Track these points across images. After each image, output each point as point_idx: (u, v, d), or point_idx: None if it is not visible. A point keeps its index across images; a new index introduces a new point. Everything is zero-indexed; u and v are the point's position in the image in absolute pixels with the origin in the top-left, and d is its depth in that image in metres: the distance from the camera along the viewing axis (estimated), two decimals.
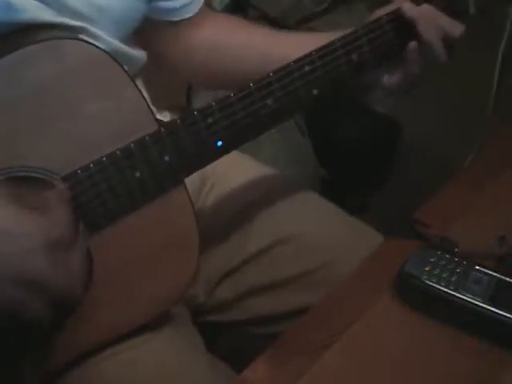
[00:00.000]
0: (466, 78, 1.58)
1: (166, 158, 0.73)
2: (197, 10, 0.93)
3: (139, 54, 0.87)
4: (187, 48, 0.94)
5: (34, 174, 0.69)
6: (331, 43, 0.81)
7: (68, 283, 0.65)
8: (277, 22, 1.52)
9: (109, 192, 0.71)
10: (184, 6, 0.92)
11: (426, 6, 0.85)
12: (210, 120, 0.75)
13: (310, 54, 0.80)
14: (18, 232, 0.63)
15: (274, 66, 0.79)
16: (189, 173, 0.76)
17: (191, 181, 0.77)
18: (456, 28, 0.84)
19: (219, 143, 0.76)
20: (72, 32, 0.76)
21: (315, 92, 0.81)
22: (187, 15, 0.92)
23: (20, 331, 0.66)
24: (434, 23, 0.84)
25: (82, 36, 0.75)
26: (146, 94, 0.81)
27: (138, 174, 0.72)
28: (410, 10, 0.84)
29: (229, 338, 1.09)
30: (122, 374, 0.76)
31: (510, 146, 1.01)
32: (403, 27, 0.84)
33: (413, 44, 0.84)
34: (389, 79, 0.86)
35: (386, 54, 0.85)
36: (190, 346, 0.81)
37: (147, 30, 0.88)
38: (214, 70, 0.95)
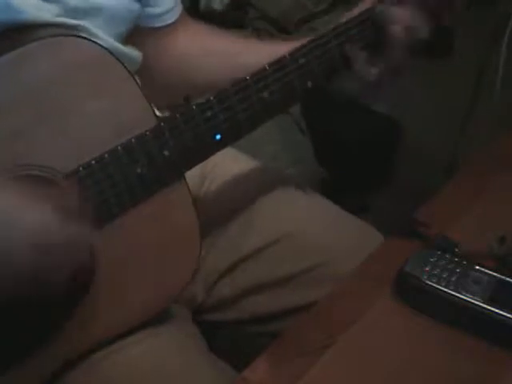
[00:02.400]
0: (466, 78, 1.58)
1: (166, 153, 0.74)
2: (175, 18, 0.94)
3: (135, 54, 0.88)
4: (163, 54, 0.95)
5: (36, 173, 0.69)
6: (324, 34, 0.82)
7: (83, 253, 0.67)
8: (277, 22, 1.52)
9: (110, 188, 0.72)
10: (165, 12, 0.93)
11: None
12: (208, 114, 0.76)
13: (304, 46, 0.80)
14: (32, 206, 0.64)
15: (243, 74, 0.79)
16: (189, 167, 0.77)
17: (191, 177, 0.77)
18: (423, 29, 0.83)
19: (218, 136, 0.77)
20: (71, 30, 0.76)
21: (309, 84, 0.81)
22: (167, 22, 0.94)
23: (42, 305, 0.67)
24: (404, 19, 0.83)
25: (80, 34, 0.76)
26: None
27: (139, 170, 0.73)
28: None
29: (229, 337, 1.09)
30: (122, 372, 0.76)
31: (511, 147, 1.01)
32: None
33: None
34: (371, 70, 0.86)
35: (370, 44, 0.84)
36: (191, 345, 0.81)
37: (132, 37, 0.89)
38: (186, 77, 0.96)
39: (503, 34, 1.23)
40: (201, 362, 0.80)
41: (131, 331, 0.76)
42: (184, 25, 0.96)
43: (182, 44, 0.96)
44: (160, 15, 0.93)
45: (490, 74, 1.38)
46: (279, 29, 1.51)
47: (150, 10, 0.91)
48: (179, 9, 0.95)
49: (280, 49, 0.82)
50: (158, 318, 0.78)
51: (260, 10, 1.50)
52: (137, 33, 0.90)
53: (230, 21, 1.50)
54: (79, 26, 0.77)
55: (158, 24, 0.93)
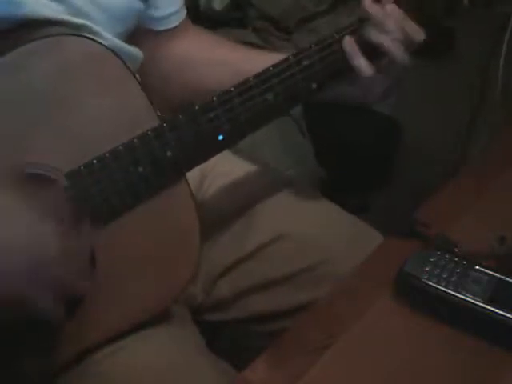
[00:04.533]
0: (467, 78, 1.58)
1: (169, 153, 0.74)
2: (178, 23, 0.94)
3: (137, 52, 0.88)
4: (163, 58, 0.95)
5: (37, 171, 0.69)
6: (329, 36, 0.82)
7: (79, 272, 0.67)
8: (277, 22, 1.52)
9: (112, 188, 0.72)
10: (168, 16, 0.93)
11: (391, 6, 0.83)
12: (211, 114, 0.76)
13: (308, 48, 0.80)
14: (27, 222, 0.65)
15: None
16: (191, 167, 0.77)
17: (191, 177, 0.78)
18: (418, 33, 0.83)
19: (220, 137, 0.77)
20: (73, 29, 0.76)
21: (314, 86, 0.81)
22: (170, 25, 0.94)
23: (28, 326, 0.67)
24: (395, 25, 0.82)
25: (83, 33, 0.76)
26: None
27: (140, 169, 0.73)
28: (369, 7, 0.83)
29: (229, 337, 1.09)
30: (122, 373, 0.75)
31: (511, 147, 1.01)
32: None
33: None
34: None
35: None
36: (191, 345, 0.81)
37: (134, 37, 0.89)
38: (185, 82, 0.96)
39: (503, 34, 1.23)
40: (201, 361, 0.80)
41: (131, 331, 0.76)
42: (186, 30, 0.96)
43: (183, 49, 0.96)
44: (163, 18, 0.93)
45: (491, 74, 1.38)
46: (279, 29, 1.51)
47: (153, 12, 0.91)
48: (182, 14, 0.95)
49: (280, 57, 0.82)
50: (158, 318, 0.78)
51: (260, 10, 1.50)
52: (138, 35, 0.90)
53: (230, 21, 1.50)
54: (81, 24, 0.77)
55: (159, 27, 0.93)
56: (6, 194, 0.66)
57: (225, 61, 0.94)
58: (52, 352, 0.73)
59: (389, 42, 0.81)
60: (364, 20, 0.83)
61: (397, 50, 0.81)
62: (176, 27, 0.94)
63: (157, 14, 0.92)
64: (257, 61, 0.85)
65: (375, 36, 0.81)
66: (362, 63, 0.82)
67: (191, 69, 0.96)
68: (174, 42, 0.95)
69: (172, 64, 0.96)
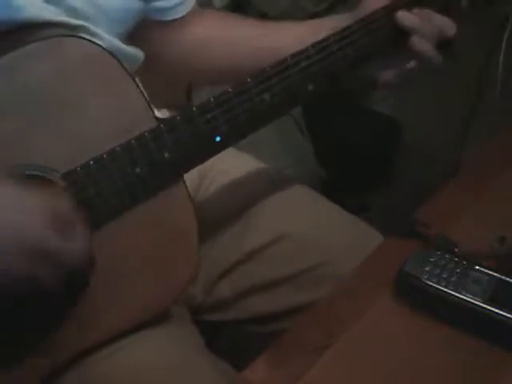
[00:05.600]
0: (466, 78, 1.58)
1: (166, 154, 0.74)
2: (188, 10, 0.94)
3: (137, 53, 0.87)
4: (180, 47, 0.95)
5: (34, 172, 0.69)
6: (327, 38, 0.82)
7: (78, 256, 0.66)
8: None
9: (109, 189, 0.72)
10: (176, 5, 0.92)
11: (427, 11, 0.84)
12: (208, 115, 0.76)
13: (306, 50, 0.80)
14: (27, 206, 0.64)
15: (267, 58, 0.79)
16: (188, 168, 0.77)
17: (190, 177, 0.78)
18: (450, 27, 0.84)
19: (218, 138, 0.77)
20: (72, 30, 0.76)
21: (311, 87, 0.81)
22: (178, 15, 0.93)
23: (38, 309, 0.67)
24: (428, 28, 0.83)
25: (81, 34, 0.76)
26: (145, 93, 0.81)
27: (138, 170, 0.73)
28: (406, 19, 0.84)
29: (229, 337, 1.09)
30: (122, 373, 0.75)
31: (511, 147, 1.01)
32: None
33: (412, 40, 0.83)
34: (383, 74, 0.86)
35: (380, 48, 0.85)
36: (190, 345, 0.81)
37: (139, 31, 0.89)
38: (208, 66, 0.95)
39: (503, 34, 1.23)
40: (200, 362, 0.80)
41: (130, 331, 0.76)
42: (198, 16, 0.95)
43: (199, 34, 0.95)
44: (169, 8, 0.91)
45: (490, 74, 1.38)
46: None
47: (161, 4, 0.90)
48: (190, 3, 0.94)
49: (300, 29, 0.82)
50: (158, 318, 0.78)
51: (260, 11, 1.50)
52: (145, 28, 0.89)
53: None
54: (80, 25, 0.77)
55: (167, 18, 0.92)
56: (6, 192, 0.65)
57: (247, 36, 0.93)
58: (52, 352, 0.73)
59: (429, 47, 0.83)
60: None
61: (434, 54, 0.83)
62: (186, 15, 0.93)
63: (164, 4, 0.91)
64: (281, 37, 0.85)
65: (419, 45, 0.83)
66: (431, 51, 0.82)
67: (209, 50, 0.95)
68: (186, 29, 0.94)
69: (187, 48, 0.95)
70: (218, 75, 0.95)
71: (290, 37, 0.88)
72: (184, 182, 0.76)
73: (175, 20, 0.93)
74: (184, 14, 0.93)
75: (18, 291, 0.65)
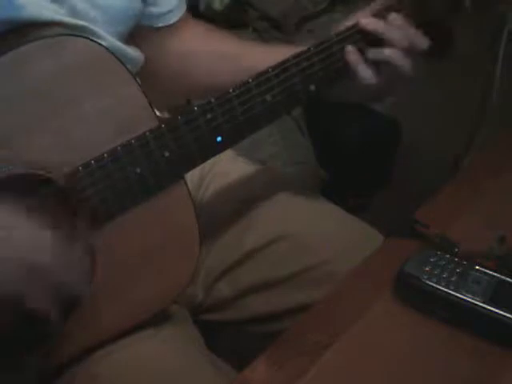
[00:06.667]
0: (466, 78, 1.58)
1: (167, 154, 0.74)
2: (178, 18, 0.94)
3: (137, 54, 0.88)
4: (166, 54, 0.95)
5: (34, 171, 0.69)
6: (328, 39, 0.82)
7: (72, 275, 0.66)
8: (277, 22, 1.52)
9: (110, 188, 0.72)
10: (168, 12, 0.92)
11: (393, 16, 0.83)
12: (209, 116, 0.76)
13: (307, 50, 0.80)
14: (21, 223, 0.64)
15: (244, 76, 0.78)
16: (189, 168, 0.77)
17: (190, 178, 0.78)
18: (422, 42, 0.82)
19: (219, 138, 0.77)
20: (72, 30, 0.76)
21: (312, 88, 0.81)
22: (169, 22, 0.93)
23: (26, 327, 0.67)
24: (396, 35, 0.82)
25: (82, 34, 0.76)
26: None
27: (138, 170, 0.73)
28: (370, 23, 0.82)
29: (229, 337, 1.09)
30: (122, 372, 0.76)
31: (510, 147, 1.01)
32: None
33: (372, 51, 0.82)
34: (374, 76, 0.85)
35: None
36: (191, 345, 0.81)
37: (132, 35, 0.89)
38: (189, 78, 0.96)
39: (501, 34, 1.23)
40: (201, 362, 0.80)
41: (131, 331, 0.76)
42: (186, 25, 0.96)
43: (184, 44, 0.95)
44: (161, 15, 0.92)
45: (489, 75, 1.38)
46: (279, 29, 1.51)
47: (153, 10, 0.91)
48: (182, 9, 0.95)
49: (281, 51, 0.81)
50: (158, 318, 0.78)
51: (260, 10, 1.50)
52: (138, 33, 0.90)
53: (230, 21, 1.50)
54: (81, 25, 0.77)
55: (159, 24, 0.93)
56: (6, 203, 0.65)
57: (227, 54, 0.94)
58: (52, 352, 0.73)
59: (394, 53, 0.81)
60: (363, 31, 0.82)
61: (402, 60, 0.81)
62: (175, 23, 0.94)
63: (156, 10, 0.91)
64: (258, 58, 0.85)
65: (378, 52, 0.81)
66: (366, 74, 0.81)
67: (193, 63, 0.95)
68: (174, 37, 0.95)
69: (173, 60, 0.95)
70: (194, 89, 0.95)
71: (271, 59, 0.84)
72: (185, 182, 0.76)
73: (165, 27, 0.93)
74: (174, 21, 0.94)
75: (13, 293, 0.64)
